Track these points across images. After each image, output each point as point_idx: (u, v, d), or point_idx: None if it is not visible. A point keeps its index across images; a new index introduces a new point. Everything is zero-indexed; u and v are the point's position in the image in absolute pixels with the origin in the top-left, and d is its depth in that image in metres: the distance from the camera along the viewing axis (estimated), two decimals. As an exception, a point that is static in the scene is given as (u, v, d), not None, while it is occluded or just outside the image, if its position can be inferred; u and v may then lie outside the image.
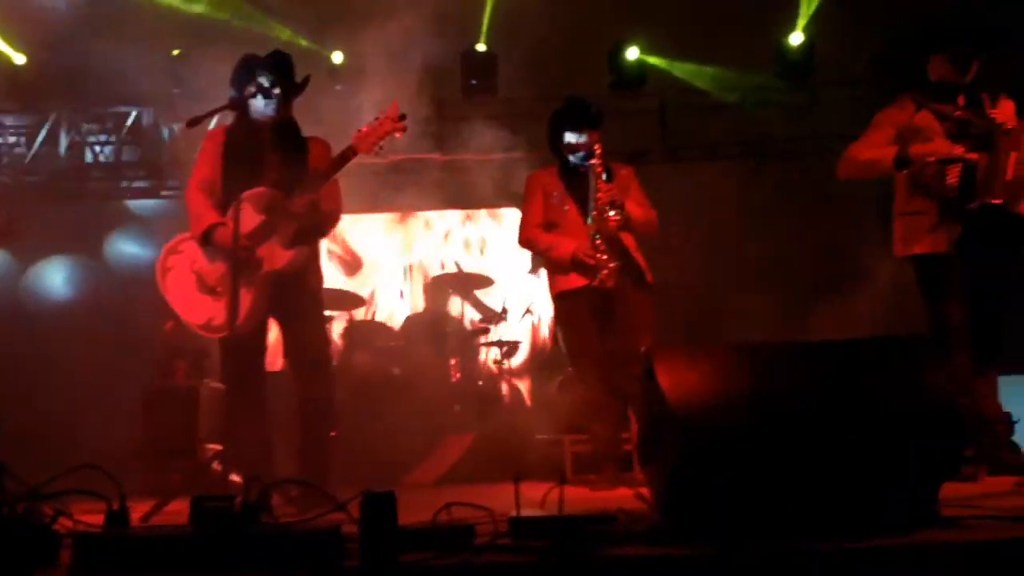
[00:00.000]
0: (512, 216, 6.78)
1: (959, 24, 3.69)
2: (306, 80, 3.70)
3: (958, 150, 3.49)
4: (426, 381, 5.79)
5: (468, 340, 6.43)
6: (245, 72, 3.56)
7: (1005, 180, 3.46)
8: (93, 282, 7.45)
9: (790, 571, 1.93)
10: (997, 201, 3.45)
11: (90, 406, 5.90)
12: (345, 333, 6.40)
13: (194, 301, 3.56)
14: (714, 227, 6.64)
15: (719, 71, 7.07)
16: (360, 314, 6.99)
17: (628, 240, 4.16)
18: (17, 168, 7.34)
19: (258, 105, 3.54)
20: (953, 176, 3.48)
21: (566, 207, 4.19)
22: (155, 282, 3.62)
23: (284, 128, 3.62)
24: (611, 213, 4.04)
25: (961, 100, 3.62)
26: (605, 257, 4.01)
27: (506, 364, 6.43)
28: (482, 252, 7.84)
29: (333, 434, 3.81)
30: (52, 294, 7.44)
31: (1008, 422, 3.71)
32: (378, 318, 7.34)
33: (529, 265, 6.93)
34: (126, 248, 7.50)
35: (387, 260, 7.78)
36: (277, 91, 3.55)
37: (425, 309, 7.12)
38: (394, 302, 7.64)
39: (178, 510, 2.79)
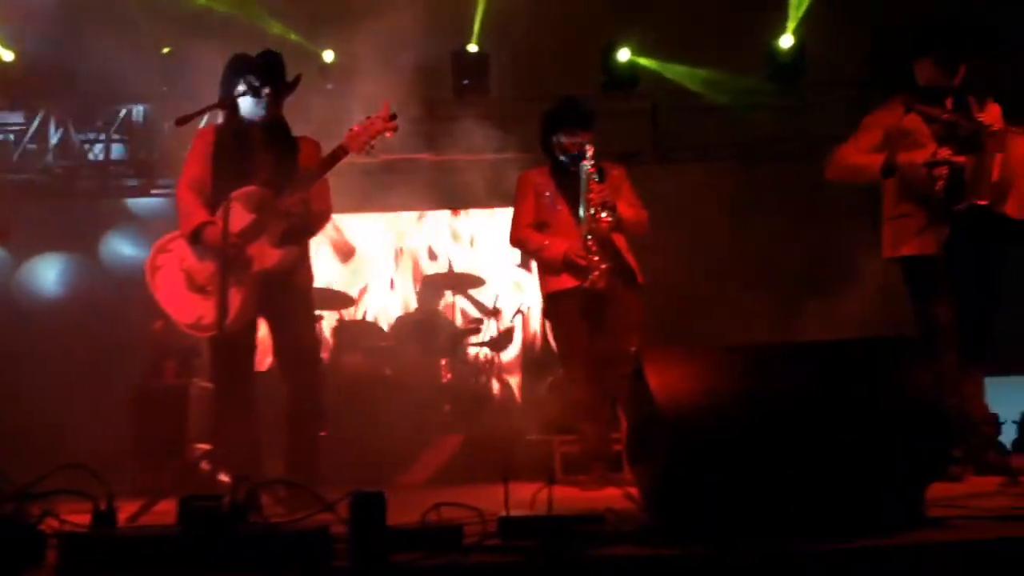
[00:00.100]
0: (503, 216, 6.79)
1: (945, 28, 3.71)
2: (297, 79, 3.68)
3: (944, 153, 3.51)
4: (416, 381, 5.78)
5: (459, 340, 6.43)
6: (235, 72, 3.55)
7: (992, 181, 3.48)
8: (84, 280, 7.41)
9: (777, 571, 1.94)
10: (984, 202, 3.47)
11: (79, 404, 5.86)
12: (335, 333, 6.39)
13: (183, 300, 3.54)
14: (705, 228, 6.66)
15: (710, 73, 7.10)
16: (350, 313, 6.98)
17: (620, 241, 4.17)
18: (6, 166, 7.30)
19: (248, 105, 3.54)
20: (941, 178, 3.50)
21: (558, 207, 4.19)
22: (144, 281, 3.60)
23: (274, 127, 3.60)
24: (603, 214, 4.04)
25: (949, 103, 3.64)
26: (596, 258, 4.01)
27: (497, 359, 6.42)
28: (472, 245, 7.83)
29: (323, 434, 3.81)
30: (44, 291, 7.40)
31: (994, 423, 3.74)
32: (369, 312, 7.33)
33: (519, 259, 6.92)
34: (118, 247, 7.47)
35: (378, 248, 7.77)
36: (267, 91, 3.53)
37: (416, 309, 7.12)
38: (385, 294, 7.63)
39: (166, 510, 2.77)
